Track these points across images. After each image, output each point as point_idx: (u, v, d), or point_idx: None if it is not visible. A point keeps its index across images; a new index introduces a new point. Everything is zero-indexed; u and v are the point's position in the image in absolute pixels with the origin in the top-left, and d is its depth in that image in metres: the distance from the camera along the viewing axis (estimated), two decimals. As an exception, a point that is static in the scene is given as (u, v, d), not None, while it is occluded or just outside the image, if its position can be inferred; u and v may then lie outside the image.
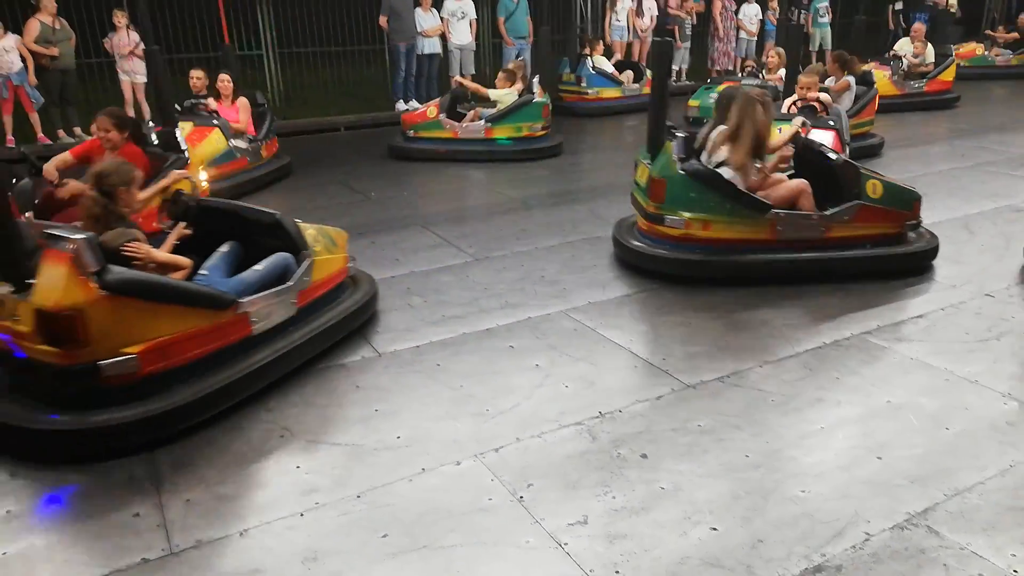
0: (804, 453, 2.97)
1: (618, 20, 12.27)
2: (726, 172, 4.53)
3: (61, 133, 8.95)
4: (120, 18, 9.08)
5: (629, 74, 11.31)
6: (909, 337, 3.95)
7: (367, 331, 4.08)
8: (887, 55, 11.56)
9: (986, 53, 14.24)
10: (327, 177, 7.69)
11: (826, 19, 14.15)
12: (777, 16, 13.42)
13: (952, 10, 14.99)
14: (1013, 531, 2.52)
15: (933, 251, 4.90)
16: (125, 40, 9.08)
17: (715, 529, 2.54)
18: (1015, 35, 14.56)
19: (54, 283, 2.82)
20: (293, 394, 3.44)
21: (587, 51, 11.00)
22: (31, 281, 2.87)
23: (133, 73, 9.23)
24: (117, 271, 2.94)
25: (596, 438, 3.08)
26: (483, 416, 3.24)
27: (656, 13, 12.50)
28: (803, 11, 14.29)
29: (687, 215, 4.55)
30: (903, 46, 11.43)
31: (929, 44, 11.35)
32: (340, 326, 3.89)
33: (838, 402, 3.33)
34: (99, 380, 2.92)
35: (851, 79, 7.87)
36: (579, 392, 3.44)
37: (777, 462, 2.91)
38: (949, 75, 11.29)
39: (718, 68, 13.23)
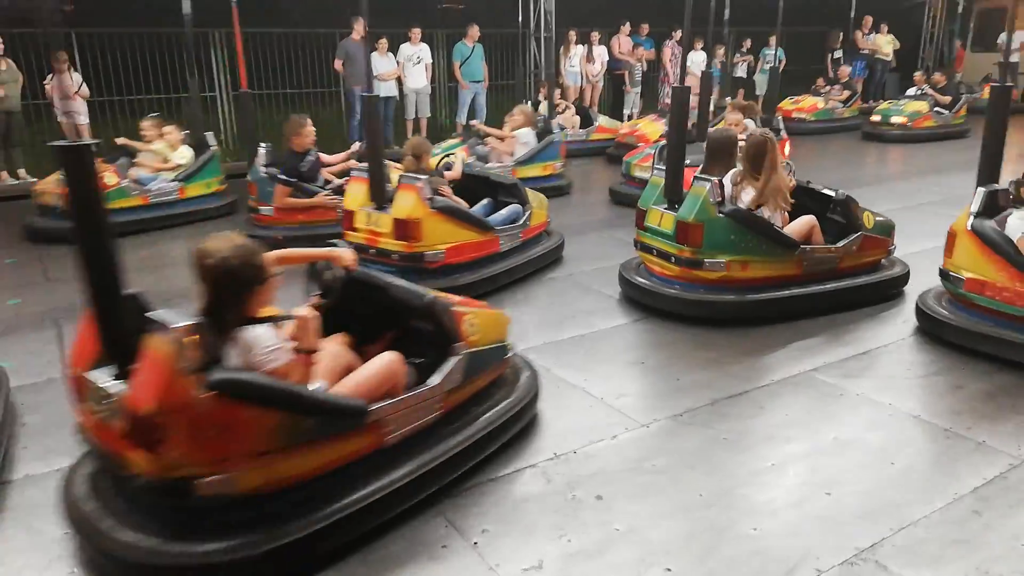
0: (756, 491, 3.00)
1: (572, 66, 12.57)
2: (765, 212, 4.71)
3: (4, 175, 8.75)
4: (61, 61, 8.92)
5: (576, 119, 11.36)
6: (854, 373, 4.05)
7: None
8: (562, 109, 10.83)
9: (827, 106, 13.57)
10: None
11: (768, 66, 14.71)
12: (723, 63, 13.96)
13: (887, 59, 15.71)
14: (958, 563, 2.57)
15: (908, 275, 5.24)
16: (67, 82, 8.93)
17: (670, 570, 2.54)
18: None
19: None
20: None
21: (541, 96, 11.11)
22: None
23: (76, 115, 9.06)
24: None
25: (551, 480, 3.07)
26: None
27: (606, 59, 12.86)
28: (747, 59, 14.89)
29: (726, 258, 4.62)
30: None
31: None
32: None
33: (788, 439, 3.39)
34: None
35: (749, 122, 8.22)
36: (533, 434, 3.43)
37: (730, 500, 2.94)
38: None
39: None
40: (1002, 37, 15.60)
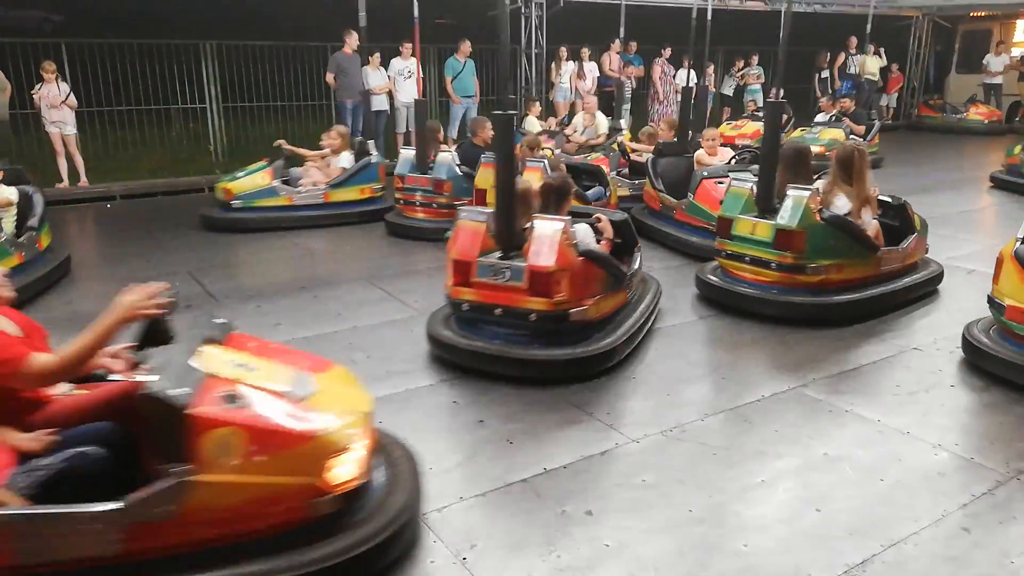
0: (746, 507, 2.99)
1: (562, 82, 12.64)
2: (866, 215, 5.08)
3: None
4: (50, 71, 8.88)
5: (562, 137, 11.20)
6: (843, 390, 4.05)
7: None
8: (550, 128, 10.20)
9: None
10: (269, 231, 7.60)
11: (757, 86, 14.85)
12: (713, 82, 14.06)
13: (874, 79, 15.87)
14: (948, 581, 2.57)
15: (943, 273, 5.66)
16: (55, 91, 8.89)
17: (660, 586, 2.52)
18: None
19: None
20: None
21: (531, 112, 11.11)
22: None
23: (62, 124, 9.01)
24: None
25: (540, 495, 3.04)
26: (425, 475, 3.18)
27: (596, 75, 12.94)
28: (735, 78, 15.03)
29: (826, 262, 4.95)
30: (577, 120, 10.06)
31: (600, 114, 9.79)
32: None
33: (778, 455, 3.38)
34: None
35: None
36: (524, 448, 3.41)
37: (720, 516, 2.92)
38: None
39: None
40: (987, 58, 15.92)
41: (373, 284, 5.83)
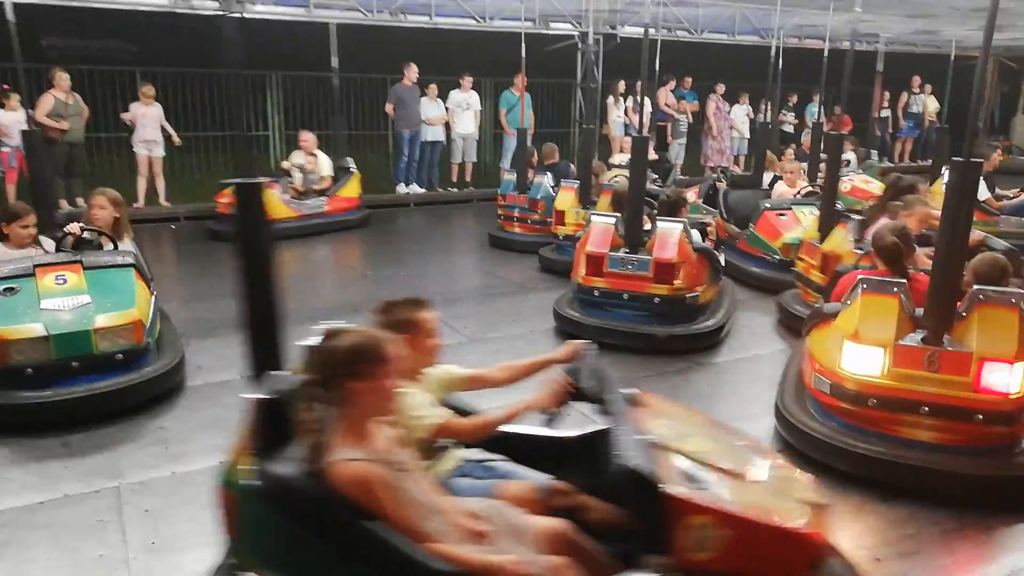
0: None
1: (618, 116, 12.68)
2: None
3: (63, 203, 9.06)
4: (148, 94, 9.29)
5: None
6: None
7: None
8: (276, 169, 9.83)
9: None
10: (321, 252, 7.75)
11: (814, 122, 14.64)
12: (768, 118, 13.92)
13: (934, 119, 15.48)
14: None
15: None
16: (155, 113, 9.27)
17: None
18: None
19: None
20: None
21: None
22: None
23: (154, 145, 9.31)
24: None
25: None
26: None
27: (651, 111, 12.95)
28: (792, 113, 14.85)
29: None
30: (294, 156, 9.22)
31: (321, 153, 9.35)
32: None
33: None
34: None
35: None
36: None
37: None
38: (353, 190, 9.36)
39: (711, 164, 13.61)
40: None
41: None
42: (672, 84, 13.25)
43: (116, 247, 4.55)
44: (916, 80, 15.29)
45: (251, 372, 2.42)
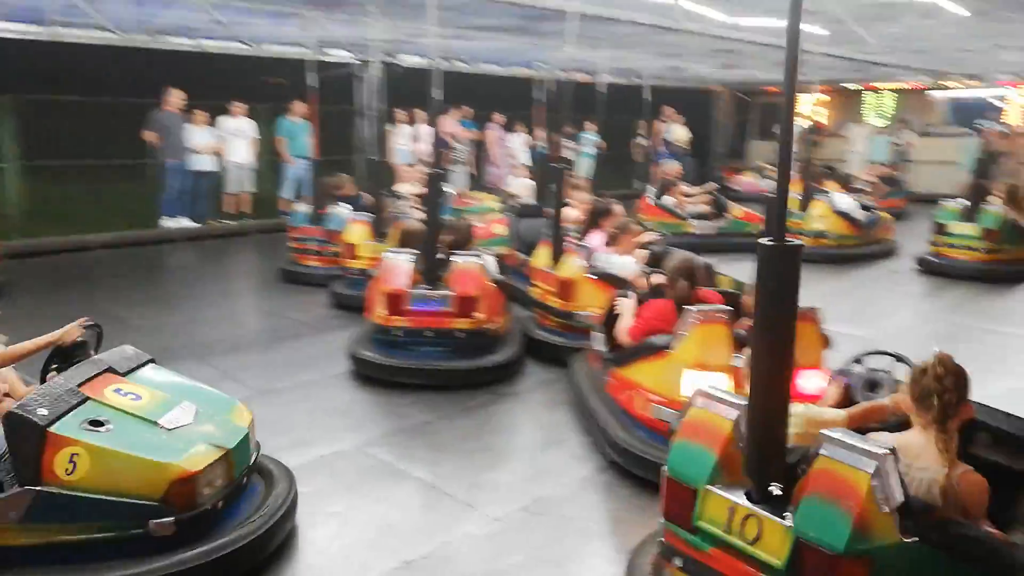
0: (615, 581, 2.94)
1: (402, 144, 12.63)
2: None
3: None
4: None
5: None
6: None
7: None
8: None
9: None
10: (70, 301, 6.83)
11: (589, 150, 15.61)
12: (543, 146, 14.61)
13: (685, 147, 17.08)
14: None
15: None
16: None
17: None
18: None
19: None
20: None
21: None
22: None
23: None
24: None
25: (404, 591, 2.84)
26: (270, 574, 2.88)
27: (432, 139, 13.04)
28: (573, 141, 15.68)
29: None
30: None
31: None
32: None
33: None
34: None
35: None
36: (382, 539, 3.18)
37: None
38: None
39: (490, 189, 13.98)
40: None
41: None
42: (455, 113, 13.48)
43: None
44: (668, 111, 16.85)
45: None
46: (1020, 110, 15.33)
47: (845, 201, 9.76)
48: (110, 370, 2.96)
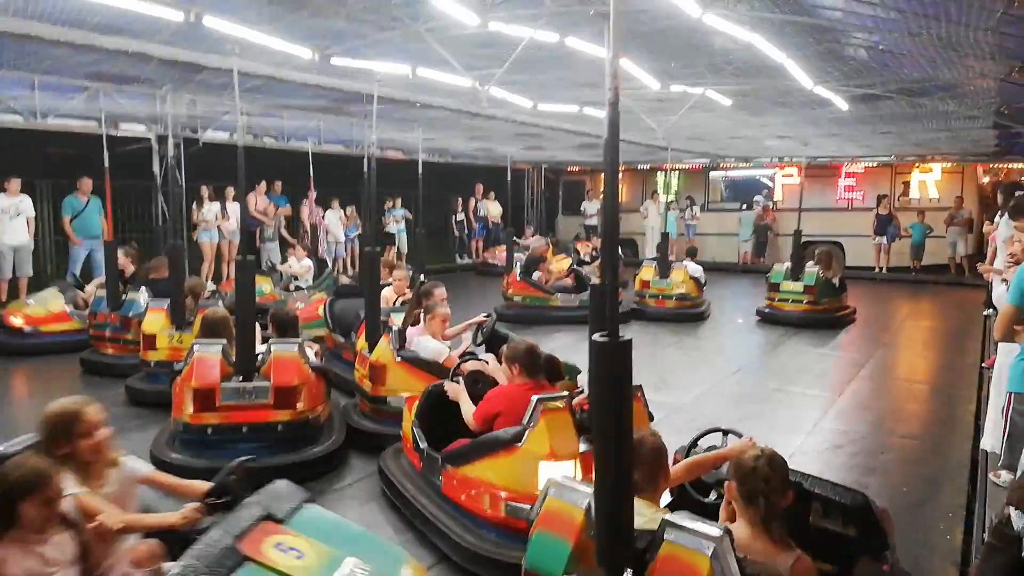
0: None
1: (206, 221, 12.02)
2: None
3: None
4: None
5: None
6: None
7: None
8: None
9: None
10: None
11: (401, 225, 15.74)
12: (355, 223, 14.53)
13: (498, 221, 17.75)
14: None
15: None
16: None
17: None
18: None
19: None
20: None
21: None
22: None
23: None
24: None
25: None
26: None
27: (240, 216, 12.50)
28: (393, 216, 15.74)
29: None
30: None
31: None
32: None
33: None
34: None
35: None
36: None
37: None
38: None
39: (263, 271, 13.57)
40: (584, 204, 19.00)
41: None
42: (263, 188, 13.08)
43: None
44: (479, 188, 17.49)
45: None
46: (782, 188, 17.53)
47: (693, 267, 11.31)
48: (269, 517, 2.47)
